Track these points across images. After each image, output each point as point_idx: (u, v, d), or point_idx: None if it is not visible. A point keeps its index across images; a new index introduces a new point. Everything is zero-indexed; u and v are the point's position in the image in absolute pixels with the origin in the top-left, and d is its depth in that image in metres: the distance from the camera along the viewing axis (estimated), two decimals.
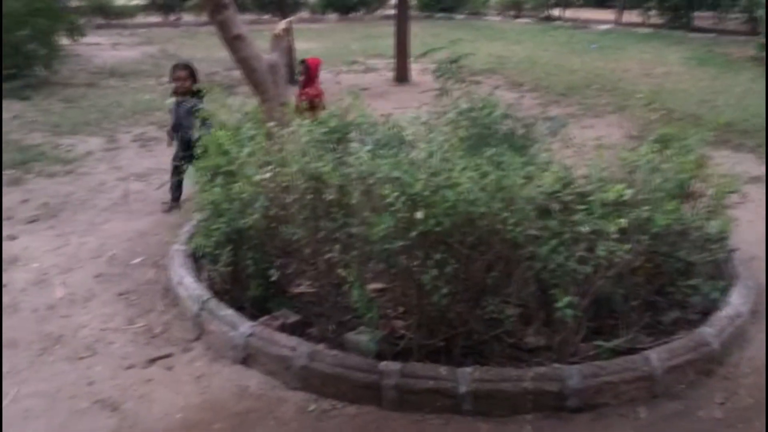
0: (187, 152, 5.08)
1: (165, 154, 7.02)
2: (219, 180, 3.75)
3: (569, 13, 23.17)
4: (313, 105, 6.17)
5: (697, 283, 3.50)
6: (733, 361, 3.40)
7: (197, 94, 5.34)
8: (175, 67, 5.70)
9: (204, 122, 4.41)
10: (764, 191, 5.83)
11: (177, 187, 5.48)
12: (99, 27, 19.55)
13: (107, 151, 7.21)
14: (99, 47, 15.26)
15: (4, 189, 5.90)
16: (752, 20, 16.50)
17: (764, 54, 13.60)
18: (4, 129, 7.82)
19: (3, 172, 6.30)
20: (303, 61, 6.66)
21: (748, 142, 7.49)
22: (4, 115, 8.54)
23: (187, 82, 5.56)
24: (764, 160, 6.88)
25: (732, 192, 3.64)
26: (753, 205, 5.32)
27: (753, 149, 7.25)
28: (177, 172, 5.31)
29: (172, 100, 5.63)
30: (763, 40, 13.82)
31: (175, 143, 5.61)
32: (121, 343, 3.60)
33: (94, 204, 5.62)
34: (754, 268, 4.29)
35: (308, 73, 6.56)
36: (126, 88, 10.62)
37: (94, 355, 3.48)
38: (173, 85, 5.58)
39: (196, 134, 4.40)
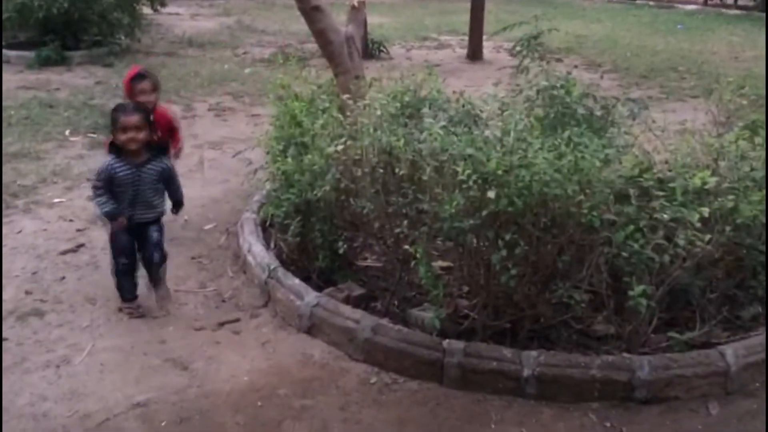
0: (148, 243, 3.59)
1: (239, 124, 7.20)
2: (291, 151, 3.80)
3: None
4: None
5: None
6: None
7: (159, 149, 3.59)
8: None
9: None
10: None
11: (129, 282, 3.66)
12: None
13: (184, 118, 7.38)
14: (179, 17, 15.62)
15: (88, 152, 6.16)
16: None
17: None
18: (88, 94, 8.15)
19: (87, 135, 6.58)
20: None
21: None
22: (89, 80, 8.90)
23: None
24: None
25: None
26: None
27: None
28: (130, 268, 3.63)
29: (110, 160, 3.53)
30: None
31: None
32: (193, 305, 3.72)
33: None
34: None
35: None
36: (203, 57, 10.85)
37: (168, 316, 3.61)
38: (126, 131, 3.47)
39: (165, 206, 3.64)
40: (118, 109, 3.51)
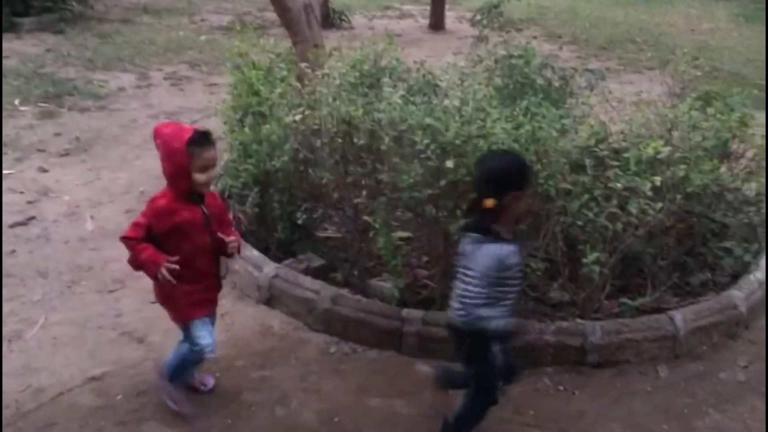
0: None
1: (196, 93, 7.04)
2: (249, 120, 3.73)
3: None
4: None
5: (730, 245, 3.42)
6: (760, 325, 3.35)
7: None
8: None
9: None
10: None
11: None
12: None
13: (139, 88, 7.21)
14: None
15: (38, 121, 5.96)
16: None
17: None
18: (38, 62, 7.86)
19: (38, 104, 6.36)
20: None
21: None
22: (39, 48, 8.58)
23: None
24: None
25: None
26: None
27: None
28: None
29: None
30: None
31: None
32: (148, 278, 3.65)
33: (125, 140, 5.66)
34: None
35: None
36: (159, 25, 10.53)
37: (122, 289, 3.55)
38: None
39: None
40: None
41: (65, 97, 6.61)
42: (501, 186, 2.31)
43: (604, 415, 2.80)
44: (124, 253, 3.83)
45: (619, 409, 2.83)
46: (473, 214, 2.43)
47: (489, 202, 2.29)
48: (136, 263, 2.60)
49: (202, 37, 9.28)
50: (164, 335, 3.18)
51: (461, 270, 2.38)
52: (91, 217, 4.30)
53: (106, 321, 3.29)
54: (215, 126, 4.23)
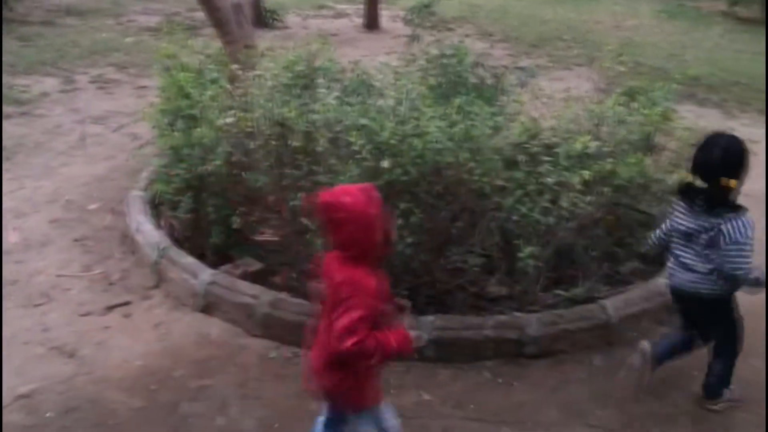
0: None
1: (124, 97, 6.82)
2: (179, 124, 3.64)
3: None
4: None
5: None
6: None
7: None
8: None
9: None
10: None
11: None
12: None
13: (64, 92, 6.93)
14: None
15: None
16: None
17: (734, 9, 13.65)
18: None
19: None
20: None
21: (713, 96, 7.57)
22: None
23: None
24: (729, 115, 6.97)
25: (695, 146, 3.66)
26: None
27: (718, 104, 7.33)
28: None
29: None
30: None
31: None
32: (78, 290, 3.53)
33: (50, 147, 5.43)
34: None
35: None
36: (84, 27, 10.16)
37: (50, 302, 3.41)
38: None
39: None
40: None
41: None
42: (740, 168, 2.63)
43: (542, 404, 2.87)
44: (50, 264, 3.71)
45: (556, 398, 2.90)
46: (706, 194, 2.64)
47: (733, 183, 2.61)
48: (386, 356, 2.04)
49: (128, 39, 9.00)
50: (95, 349, 3.08)
51: (696, 245, 2.69)
52: (14, 229, 4.11)
53: (33, 336, 3.15)
54: (144, 130, 4.13)
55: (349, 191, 2.05)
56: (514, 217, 3.07)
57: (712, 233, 2.63)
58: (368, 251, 2.03)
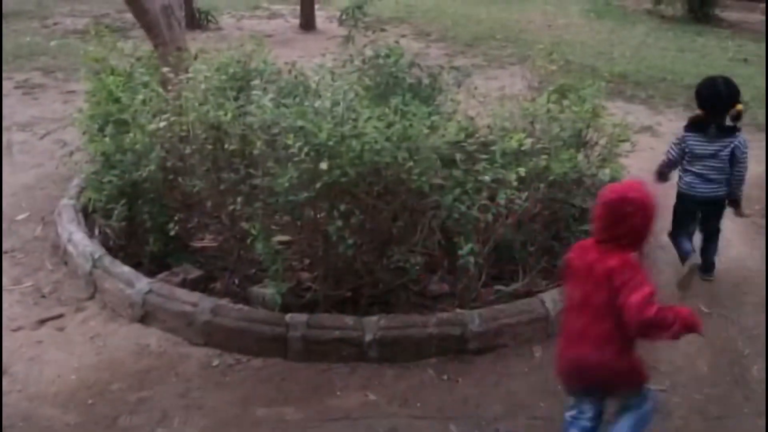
0: None
1: (51, 102, 6.57)
2: (110, 129, 3.53)
3: None
4: None
5: (589, 228, 3.65)
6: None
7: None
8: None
9: None
10: (654, 140, 6.16)
11: None
12: None
13: None
14: None
15: None
16: None
17: (658, 7, 14.21)
18: None
19: None
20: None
21: (641, 93, 7.86)
22: None
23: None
24: (656, 110, 7.25)
25: (624, 141, 3.80)
26: (644, 153, 5.58)
27: (645, 100, 7.62)
28: None
29: None
30: None
31: None
32: (8, 304, 3.38)
33: None
34: None
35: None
36: (6, 30, 9.72)
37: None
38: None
39: None
40: None
41: None
42: (739, 95, 3.62)
43: (486, 398, 2.91)
44: None
45: (499, 392, 2.96)
46: (721, 119, 3.60)
47: (740, 107, 3.58)
48: (683, 327, 2.18)
49: (53, 43, 8.65)
50: (28, 364, 2.96)
51: (717, 161, 3.63)
52: None
53: None
54: (73, 137, 3.98)
55: (634, 187, 2.32)
56: (454, 215, 3.11)
57: (729, 149, 3.57)
58: (643, 239, 2.31)
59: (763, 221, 4.59)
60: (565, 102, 3.82)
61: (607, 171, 3.76)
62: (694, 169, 3.70)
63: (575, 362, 2.32)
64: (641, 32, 12.05)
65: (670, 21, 13.47)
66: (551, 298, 3.29)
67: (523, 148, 3.25)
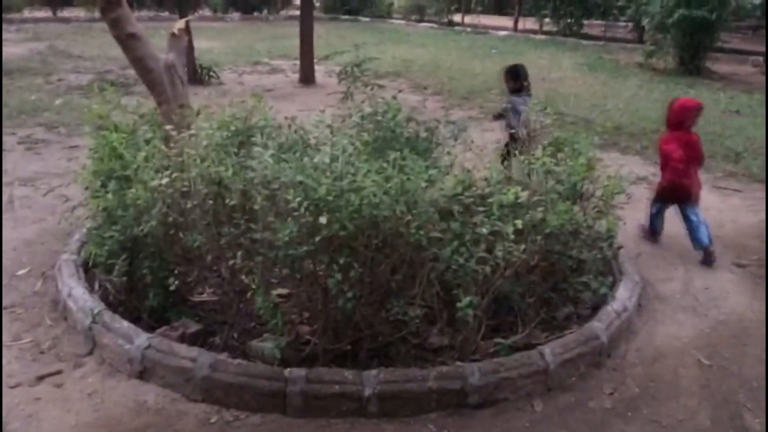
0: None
1: (54, 158, 6.66)
2: (112, 185, 3.58)
3: (469, 19, 23.87)
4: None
5: (587, 279, 3.68)
6: (621, 353, 3.60)
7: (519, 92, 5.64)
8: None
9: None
10: (649, 191, 6.22)
11: None
12: None
13: None
14: None
15: None
16: (638, 29, 17.59)
17: (650, 61, 14.54)
18: None
19: None
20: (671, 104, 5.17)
21: (635, 144, 7.99)
22: None
23: (509, 83, 5.82)
24: (650, 161, 7.35)
25: (619, 193, 3.86)
26: (639, 204, 5.65)
27: (639, 151, 7.74)
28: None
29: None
30: (649, 48, 14.78)
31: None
32: (6, 360, 3.36)
33: None
34: (640, 265, 4.57)
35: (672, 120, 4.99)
36: (11, 86, 9.94)
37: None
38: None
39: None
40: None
41: None
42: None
43: None
44: None
45: None
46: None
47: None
48: None
49: (58, 101, 8.82)
50: (25, 422, 2.93)
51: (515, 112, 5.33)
52: None
53: None
54: (74, 192, 4.03)
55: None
56: (452, 268, 3.13)
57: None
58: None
59: (762, 271, 4.62)
60: (560, 155, 3.90)
61: (603, 223, 3.81)
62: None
63: (688, 187, 4.80)
64: (634, 85, 12.33)
65: (661, 74, 13.80)
66: (551, 351, 3.29)
67: (519, 201, 3.30)
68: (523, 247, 3.19)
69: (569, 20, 20.21)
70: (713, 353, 3.66)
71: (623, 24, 20.09)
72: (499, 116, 6.10)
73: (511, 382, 3.17)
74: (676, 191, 4.85)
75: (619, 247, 4.11)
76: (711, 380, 3.42)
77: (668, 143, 4.90)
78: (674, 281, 4.49)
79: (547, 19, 20.86)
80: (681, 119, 4.91)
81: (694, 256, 4.82)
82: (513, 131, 5.06)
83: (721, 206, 5.97)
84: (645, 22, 15.01)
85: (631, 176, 6.04)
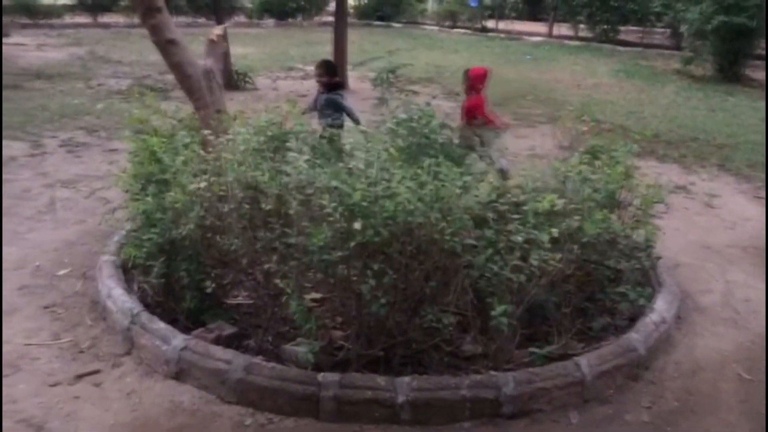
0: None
1: (94, 161, 6.81)
2: (151, 189, 3.65)
3: (503, 25, 23.75)
4: (470, 116, 6.03)
5: (624, 290, 3.62)
6: (659, 366, 3.53)
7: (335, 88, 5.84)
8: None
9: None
10: (688, 200, 6.11)
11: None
12: (24, 27, 18.78)
13: (32, 156, 6.90)
14: (24, 48, 14.64)
15: None
16: (675, 35, 17.33)
17: (688, 68, 14.30)
18: None
19: None
20: (465, 72, 6.56)
21: (673, 152, 7.85)
22: None
23: (323, 78, 5.86)
24: (689, 170, 7.21)
25: (657, 202, 3.79)
26: (677, 213, 5.56)
27: (677, 159, 7.60)
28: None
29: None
30: (687, 54, 14.53)
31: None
32: (47, 359, 3.44)
33: (17, 212, 5.36)
34: (678, 275, 4.49)
35: (468, 84, 6.37)
36: (53, 90, 10.20)
37: (18, 372, 3.31)
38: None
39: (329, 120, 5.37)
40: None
41: None
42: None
43: None
44: (17, 333, 3.62)
45: None
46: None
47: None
48: None
49: (99, 105, 9.02)
50: (64, 421, 2.99)
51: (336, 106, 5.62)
52: None
53: None
54: (114, 194, 4.10)
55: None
56: (486, 275, 3.11)
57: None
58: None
59: None
60: (597, 163, 3.85)
61: (641, 232, 3.75)
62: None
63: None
64: (671, 92, 12.13)
65: (700, 81, 13.55)
66: (587, 362, 3.24)
67: (555, 209, 3.26)
68: (559, 255, 3.16)
69: (605, 26, 19.97)
70: (753, 367, 3.57)
71: (661, 30, 19.80)
72: (309, 111, 5.81)
73: (547, 393, 3.13)
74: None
75: (658, 258, 4.04)
76: (751, 394, 3.33)
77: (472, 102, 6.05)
78: (714, 293, 4.39)
79: (582, 25, 20.66)
80: (475, 85, 6.17)
81: (734, 268, 4.71)
82: (332, 123, 5.21)
83: (761, 216, 5.83)
84: (683, 28, 14.77)
85: (670, 185, 5.94)
